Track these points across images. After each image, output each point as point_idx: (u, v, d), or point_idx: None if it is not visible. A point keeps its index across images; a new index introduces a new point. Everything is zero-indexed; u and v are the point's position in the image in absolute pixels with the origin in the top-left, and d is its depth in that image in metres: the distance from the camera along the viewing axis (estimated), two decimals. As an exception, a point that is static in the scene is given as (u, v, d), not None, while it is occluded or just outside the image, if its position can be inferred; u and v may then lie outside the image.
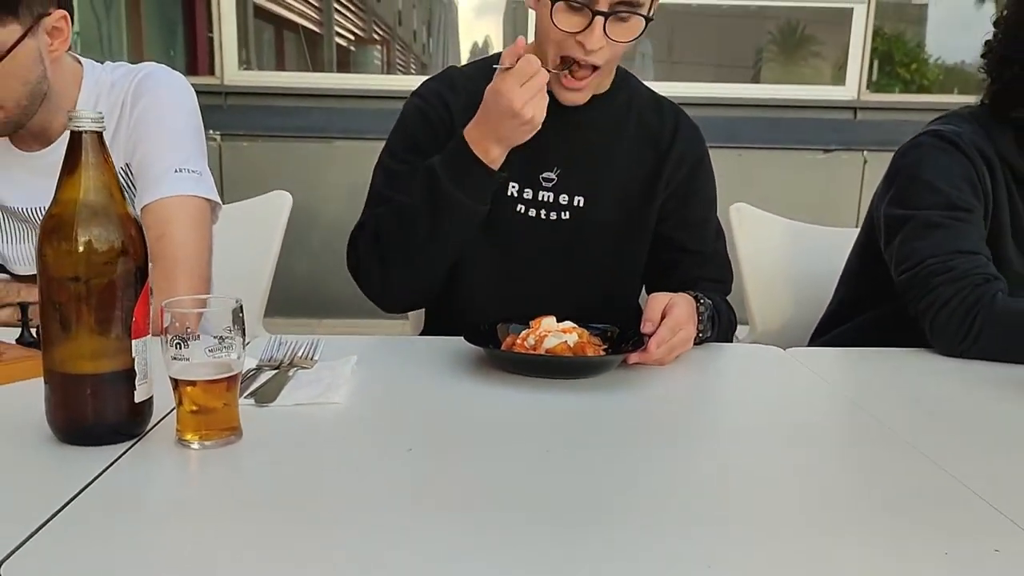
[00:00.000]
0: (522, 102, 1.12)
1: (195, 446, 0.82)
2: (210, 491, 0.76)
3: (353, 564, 0.63)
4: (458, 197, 1.19)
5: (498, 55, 1.35)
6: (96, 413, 0.82)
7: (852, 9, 4.64)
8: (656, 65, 5.17)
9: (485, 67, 1.31)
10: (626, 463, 0.83)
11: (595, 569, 0.62)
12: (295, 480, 0.78)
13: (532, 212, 1.33)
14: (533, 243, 1.33)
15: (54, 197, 0.80)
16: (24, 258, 1.36)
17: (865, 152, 4.58)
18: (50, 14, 1.18)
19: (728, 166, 4.78)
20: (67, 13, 1.20)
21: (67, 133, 1.28)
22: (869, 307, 1.52)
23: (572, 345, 1.10)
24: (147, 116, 1.28)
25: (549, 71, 1.18)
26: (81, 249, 0.79)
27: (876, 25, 4.93)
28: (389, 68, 9.45)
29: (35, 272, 1.33)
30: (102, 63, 1.34)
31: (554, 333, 1.12)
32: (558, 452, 0.86)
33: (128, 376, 0.82)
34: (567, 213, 1.34)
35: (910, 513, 0.74)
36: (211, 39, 4.55)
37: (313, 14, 6.38)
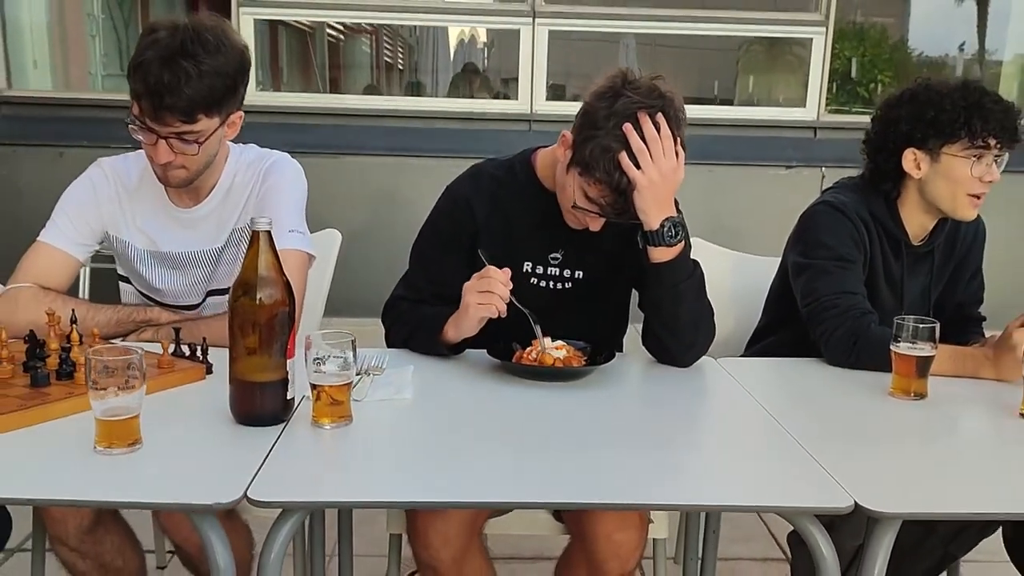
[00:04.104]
0: (471, 298, 1.56)
1: (327, 427, 1.29)
2: (343, 451, 1.27)
3: (429, 488, 1.12)
4: (416, 348, 1.70)
5: (522, 154, 1.78)
6: (263, 406, 1.29)
7: (812, 39, 5.11)
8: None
9: (510, 169, 1.76)
10: (592, 432, 1.33)
11: (565, 485, 1.11)
12: (391, 445, 1.29)
13: (543, 284, 1.76)
14: (544, 306, 1.66)
15: (241, 269, 1.27)
16: (171, 292, 1.82)
17: (823, 168, 5.04)
18: (234, 111, 1.68)
19: (700, 181, 5.31)
20: (243, 113, 1.70)
21: (213, 193, 1.77)
22: (785, 326, 1.99)
23: (562, 358, 1.59)
24: (272, 190, 1.76)
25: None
26: (258, 303, 1.26)
27: (837, 48, 5.41)
28: (378, 58, 9.73)
29: (174, 302, 1.80)
30: (237, 143, 1.82)
31: (549, 349, 1.60)
32: (551, 427, 1.37)
33: (283, 383, 1.29)
34: (569, 284, 1.77)
35: (766, 469, 1.24)
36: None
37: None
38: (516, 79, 4.80)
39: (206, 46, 1.57)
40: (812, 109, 5.24)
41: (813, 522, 1.16)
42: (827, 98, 5.28)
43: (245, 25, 4.80)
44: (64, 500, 1.20)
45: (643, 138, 1.53)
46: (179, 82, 1.54)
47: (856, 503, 1.11)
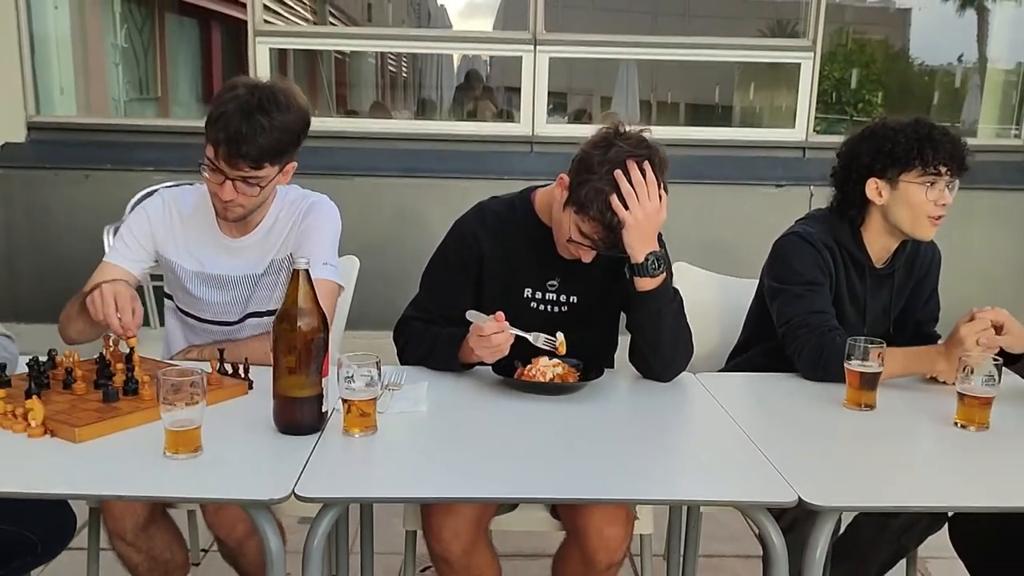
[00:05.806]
0: (481, 352, 1.78)
1: (357, 436, 1.52)
2: (371, 455, 1.49)
3: (444, 485, 1.36)
4: (434, 366, 1.92)
5: (522, 193, 2.00)
6: (302, 418, 1.52)
7: (800, 64, 5.34)
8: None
9: (511, 206, 1.98)
10: (583, 438, 1.56)
11: (560, 482, 1.34)
12: (411, 450, 1.52)
13: (541, 308, 1.99)
14: (543, 328, 1.87)
15: (283, 301, 1.49)
16: (211, 308, 2.06)
17: (812, 187, 5.25)
18: (290, 162, 1.93)
19: (694, 199, 5.51)
20: (296, 163, 1.94)
21: (258, 228, 2.01)
22: (762, 342, 2.21)
23: (558, 375, 1.81)
24: (311, 228, 2.01)
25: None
26: (298, 330, 1.48)
27: (826, 70, 5.62)
28: (383, 71, 9.96)
29: (212, 318, 2.02)
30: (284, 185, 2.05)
31: (547, 367, 1.83)
32: (548, 434, 1.59)
33: (319, 399, 1.52)
34: (565, 308, 2.00)
35: (727, 469, 1.47)
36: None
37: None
38: (518, 89, 5.01)
39: (279, 105, 1.82)
40: (800, 130, 5.45)
41: (765, 515, 1.38)
42: (817, 118, 5.50)
43: (261, 54, 5.04)
44: (143, 496, 1.43)
45: (631, 183, 1.76)
46: (255, 133, 1.79)
47: (800, 498, 1.33)
